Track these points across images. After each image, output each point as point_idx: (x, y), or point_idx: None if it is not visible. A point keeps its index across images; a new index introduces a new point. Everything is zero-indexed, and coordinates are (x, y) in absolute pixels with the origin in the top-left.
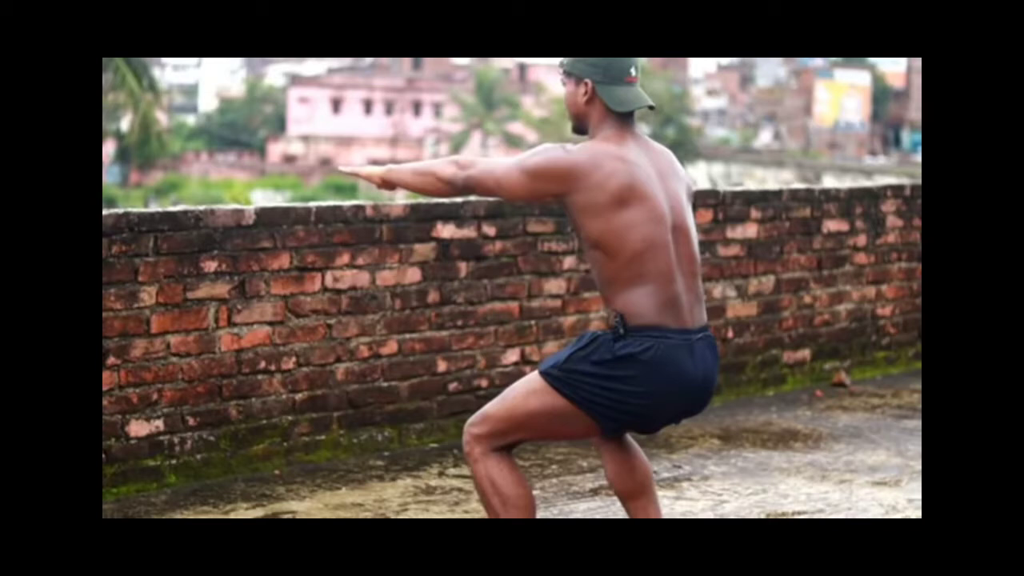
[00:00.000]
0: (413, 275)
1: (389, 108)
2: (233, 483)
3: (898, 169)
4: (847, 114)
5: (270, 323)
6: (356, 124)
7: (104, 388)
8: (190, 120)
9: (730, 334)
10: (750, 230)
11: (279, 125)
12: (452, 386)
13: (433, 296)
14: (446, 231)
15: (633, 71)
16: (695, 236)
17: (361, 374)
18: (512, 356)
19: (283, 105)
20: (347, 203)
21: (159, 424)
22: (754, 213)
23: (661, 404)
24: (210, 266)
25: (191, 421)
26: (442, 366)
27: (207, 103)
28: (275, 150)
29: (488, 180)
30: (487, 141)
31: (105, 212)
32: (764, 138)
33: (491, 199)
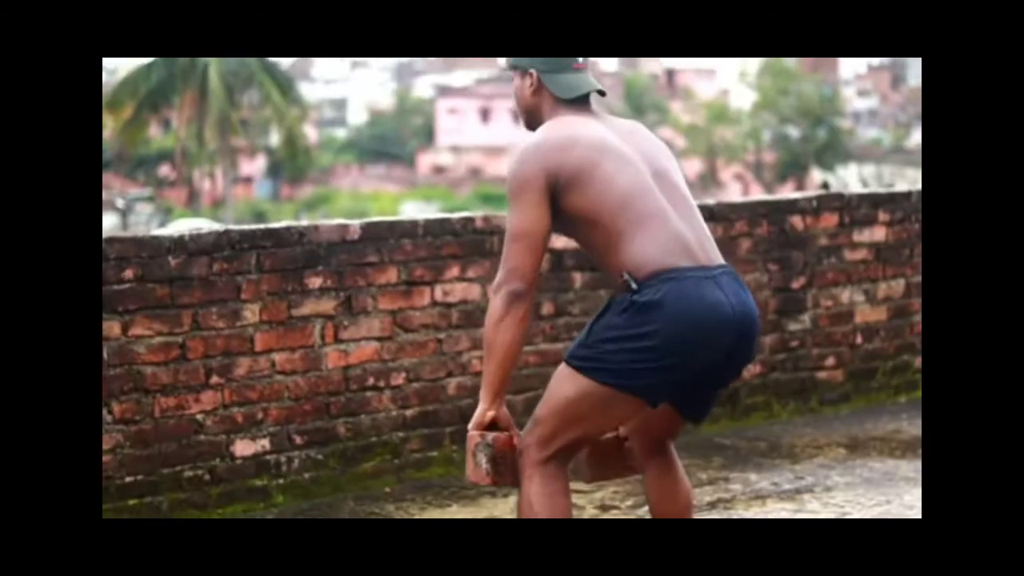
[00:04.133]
0: None
1: None
2: (342, 502)
3: None
4: None
5: (378, 339)
6: (505, 133)
7: (208, 408)
8: (340, 133)
9: (859, 340)
10: (878, 233)
11: (428, 136)
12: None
13: (547, 308)
14: (559, 241)
15: (580, 59)
16: (683, 182)
17: (474, 388)
18: None
19: (432, 116)
20: (456, 215)
21: (265, 443)
22: (882, 216)
23: (699, 348)
24: (315, 282)
25: (298, 440)
26: None
27: (356, 116)
28: (424, 161)
29: (517, 259)
30: None
31: (205, 230)
32: (916, 138)
33: None
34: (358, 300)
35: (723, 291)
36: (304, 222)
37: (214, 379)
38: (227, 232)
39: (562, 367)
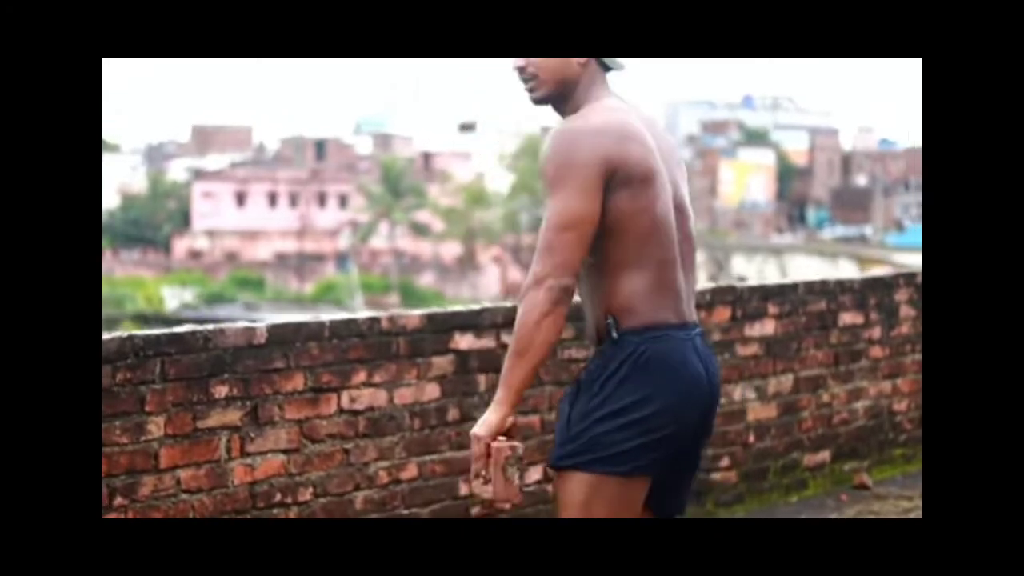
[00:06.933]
0: (432, 391)
1: (294, 200)
2: None
3: (806, 246)
4: (752, 193)
5: (285, 451)
6: (261, 217)
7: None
8: None
9: (751, 438)
10: (768, 327)
11: (183, 220)
12: (475, 511)
13: (453, 413)
14: (464, 342)
15: None
16: (692, 216)
17: (381, 502)
18: (535, 474)
19: (187, 200)
20: (362, 316)
21: None
22: (771, 309)
23: (678, 418)
24: (221, 391)
25: None
26: (464, 489)
27: (109, 200)
28: (180, 246)
29: (568, 251)
30: (394, 231)
31: (107, 336)
32: None
33: (509, 305)
34: (264, 409)
35: (699, 355)
36: (209, 326)
37: (117, 500)
38: (131, 338)
39: (560, 476)
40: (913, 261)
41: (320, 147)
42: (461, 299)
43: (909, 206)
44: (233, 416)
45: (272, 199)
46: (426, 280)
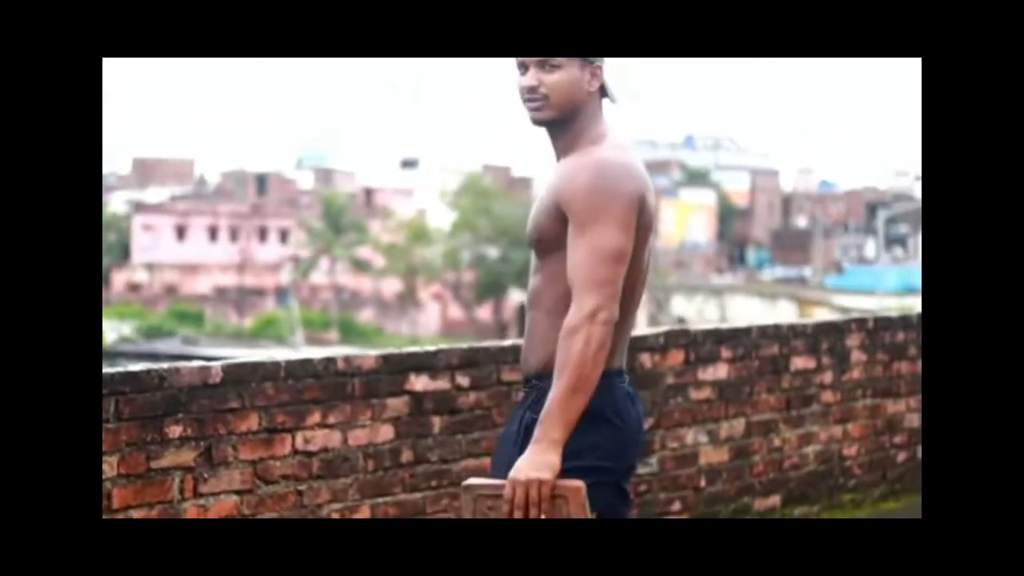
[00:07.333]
0: (386, 432)
1: (234, 234)
2: None
3: (747, 287)
4: (693, 233)
5: (238, 492)
6: (201, 251)
7: None
8: None
9: (703, 483)
10: (721, 371)
11: (123, 253)
12: None
13: (407, 455)
14: (419, 383)
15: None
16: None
17: None
18: None
19: (126, 233)
20: (318, 356)
21: None
22: (725, 353)
23: (621, 462)
24: (175, 431)
25: None
26: None
27: None
28: (119, 278)
29: (617, 283)
30: (335, 267)
31: None
32: None
33: (464, 347)
34: (218, 450)
35: (632, 400)
36: (164, 364)
37: None
38: None
39: None
40: (852, 303)
41: (261, 181)
42: (401, 336)
43: (848, 248)
44: (187, 456)
45: (212, 233)
46: (366, 316)
